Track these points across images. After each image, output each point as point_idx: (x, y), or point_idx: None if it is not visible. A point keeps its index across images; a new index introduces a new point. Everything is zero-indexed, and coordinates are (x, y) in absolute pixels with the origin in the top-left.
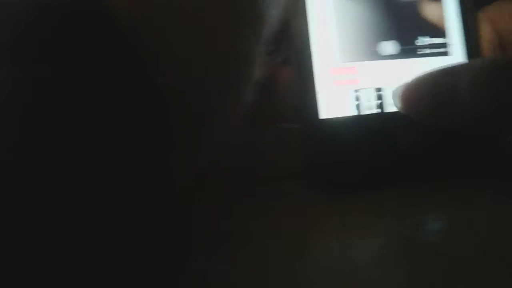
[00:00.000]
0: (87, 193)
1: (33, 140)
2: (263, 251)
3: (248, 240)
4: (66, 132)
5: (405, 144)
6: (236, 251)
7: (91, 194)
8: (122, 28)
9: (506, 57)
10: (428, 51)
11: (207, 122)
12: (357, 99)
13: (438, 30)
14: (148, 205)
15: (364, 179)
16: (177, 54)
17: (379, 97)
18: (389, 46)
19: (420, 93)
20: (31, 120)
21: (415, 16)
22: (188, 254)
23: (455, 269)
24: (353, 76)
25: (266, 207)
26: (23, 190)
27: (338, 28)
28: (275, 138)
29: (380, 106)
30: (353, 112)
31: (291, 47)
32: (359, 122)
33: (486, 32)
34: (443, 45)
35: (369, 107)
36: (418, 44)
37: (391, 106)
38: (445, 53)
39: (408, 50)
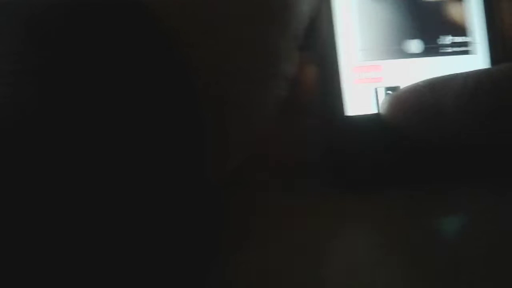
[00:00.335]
0: (117, 182)
1: (57, 134)
2: (273, 250)
3: (259, 237)
4: (94, 126)
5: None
6: (237, 249)
7: (121, 183)
8: (153, 17)
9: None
10: (451, 49)
11: (238, 116)
12: (383, 96)
13: (461, 29)
14: (179, 196)
15: (388, 177)
16: (202, 42)
17: None
18: (414, 45)
19: (406, 105)
20: (54, 116)
21: (439, 14)
22: (215, 246)
23: (462, 270)
24: (378, 74)
25: (278, 204)
26: (44, 182)
27: (363, 26)
28: (296, 133)
29: None
30: (378, 109)
31: (317, 44)
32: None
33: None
34: (466, 43)
35: None
36: (441, 42)
37: None
38: (468, 52)
39: (432, 49)
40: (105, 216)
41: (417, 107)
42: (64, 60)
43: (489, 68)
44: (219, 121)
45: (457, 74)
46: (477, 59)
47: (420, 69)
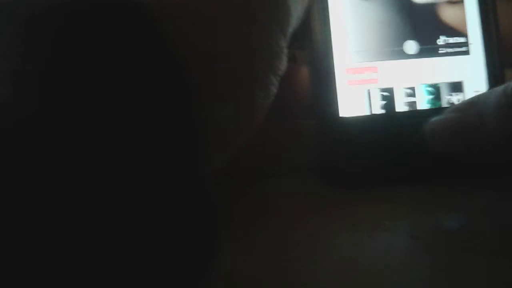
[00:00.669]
0: (116, 181)
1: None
2: (270, 248)
3: (257, 236)
4: (93, 125)
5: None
6: (239, 249)
7: (119, 182)
8: (152, 17)
9: None
10: (449, 50)
11: (229, 114)
12: (377, 98)
13: (457, 30)
14: (175, 194)
15: (382, 177)
16: (199, 42)
17: (399, 97)
18: (410, 46)
19: (449, 128)
20: (47, 117)
21: (435, 16)
22: (216, 243)
23: (463, 268)
24: (374, 75)
25: (272, 204)
26: (45, 180)
27: (359, 27)
28: (288, 134)
29: (400, 105)
30: (372, 110)
31: (311, 45)
32: (379, 121)
33: None
34: (462, 44)
35: (389, 106)
36: (437, 44)
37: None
38: (464, 53)
39: (429, 50)
40: (104, 215)
41: (460, 126)
42: (63, 60)
43: None
44: (211, 119)
45: (498, 87)
46: (472, 60)
47: (416, 70)
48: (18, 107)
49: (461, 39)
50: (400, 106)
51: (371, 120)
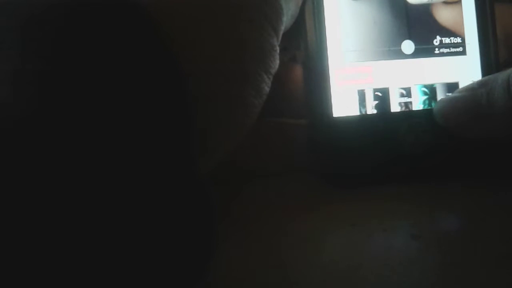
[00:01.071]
0: (109, 179)
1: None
2: (267, 249)
3: (252, 237)
4: (93, 125)
5: (416, 144)
6: (236, 249)
7: (118, 182)
8: (150, 18)
9: None
10: (442, 51)
11: (223, 112)
12: (372, 98)
13: (452, 30)
14: (171, 193)
15: (375, 177)
16: (197, 42)
17: (394, 97)
18: (406, 46)
19: (460, 106)
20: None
21: (430, 16)
22: (212, 243)
23: (463, 268)
24: (368, 75)
25: (270, 204)
26: (46, 180)
27: (353, 27)
28: (280, 134)
29: (395, 105)
30: (366, 110)
31: (306, 45)
32: (373, 121)
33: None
34: (457, 45)
35: (383, 106)
36: (432, 44)
37: (405, 106)
38: (462, 53)
39: (425, 50)
40: (100, 215)
41: (471, 104)
42: (63, 60)
43: None
44: (202, 118)
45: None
46: (469, 60)
47: (412, 71)
48: (18, 107)
49: (458, 39)
50: (395, 106)
51: (365, 120)
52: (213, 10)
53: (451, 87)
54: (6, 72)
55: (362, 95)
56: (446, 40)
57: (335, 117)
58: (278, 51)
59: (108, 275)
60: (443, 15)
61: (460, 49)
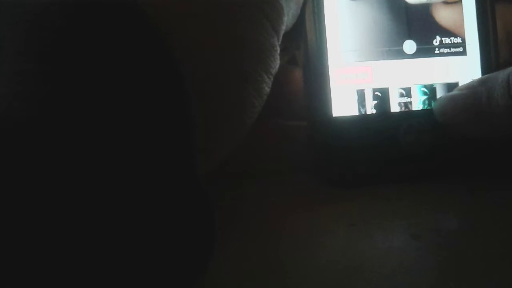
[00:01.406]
0: (109, 178)
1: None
2: (267, 249)
3: (252, 237)
4: (81, 129)
5: (416, 144)
6: (236, 249)
7: (114, 181)
8: (150, 18)
9: None
10: (442, 51)
11: (223, 112)
12: (371, 98)
13: (452, 31)
14: (171, 194)
15: (376, 176)
16: (196, 42)
17: (394, 97)
18: (406, 46)
19: (460, 103)
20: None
21: (430, 16)
22: (211, 243)
23: (464, 268)
24: (368, 75)
25: (270, 204)
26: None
27: (353, 27)
28: (280, 134)
29: (395, 105)
30: (366, 110)
31: (305, 45)
32: (372, 121)
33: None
34: (457, 45)
35: (383, 106)
36: (432, 44)
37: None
38: (462, 53)
39: (425, 50)
40: (100, 214)
41: (471, 101)
42: (62, 61)
43: None
44: (202, 118)
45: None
46: (469, 60)
47: (411, 71)
48: (18, 107)
49: (458, 40)
50: (395, 106)
51: (364, 120)
52: (213, 9)
53: (451, 87)
54: (6, 72)
55: (361, 95)
56: (446, 40)
57: (335, 117)
58: (278, 51)
59: (108, 275)
60: (443, 15)
61: (460, 49)
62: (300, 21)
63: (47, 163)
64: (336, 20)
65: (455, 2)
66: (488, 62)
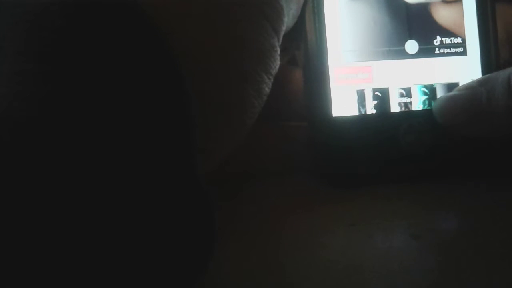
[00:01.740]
0: (109, 179)
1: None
2: (267, 249)
3: (252, 237)
4: (81, 129)
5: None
6: (236, 249)
7: (114, 181)
8: (149, 19)
9: None
10: (445, 50)
11: (223, 112)
12: (371, 98)
13: (456, 30)
14: (171, 195)
15: (375, 176)
16: (196, 42)
17: (394, 97)
18: (406, 46)
19: (460, 104)
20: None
21: (433, 16)
22: (211, 243)
23: (463, 268)
24: (368, 75)
25: (270, 204)
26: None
27: (353, 27)
28: (280, 135)
29: (395, 105)
30: (366, 110)
31: (305, 45)
32: (372, 121)
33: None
34: (458, 45)
35: (383, 106)
36: (432, 44)
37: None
38: (462, 53)
39: (425, 50)
40: (100, 214)
41: (471, 102)
42: (62, 61)
43: None
44: (202, 118)
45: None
46: (469, 60)
47: (412, 71)
48: (18, 107)
49: (458, 40)
50: (395, 106)
51: (364, 120)
52: (213, 10)
53: (451, 87)
54: (6, 72)
55: (361, 95)
56: (447, 40)
57: (335, 117)
58: (278, 51)
59: (107, 275)
60: (444, 15)
61: (461, 49)
62: (300, 21)
63: (47, 163)
64: (336, 20)
65: (455, 2)
66: (489, 62)
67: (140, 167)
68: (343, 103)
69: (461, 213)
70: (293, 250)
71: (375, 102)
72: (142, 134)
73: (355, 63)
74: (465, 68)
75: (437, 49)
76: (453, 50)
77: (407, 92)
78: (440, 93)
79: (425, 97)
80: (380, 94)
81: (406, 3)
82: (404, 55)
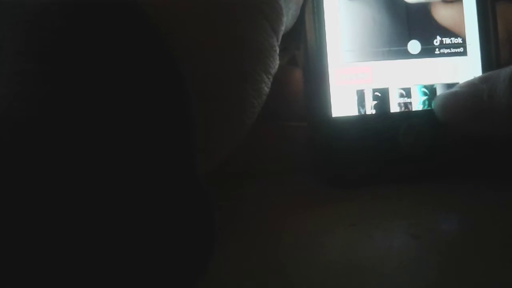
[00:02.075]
0: (109, 179)
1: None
2: (267, 249)
3: (252, 237)
4: (82, 129)
5: (416, 144)
6: (236, 249)
7: (114, 181)
8: (150, 19)
9: None
10: (445, 51)
11: (222, 112)
12: (371, 98)
13: (456, 30)
14: (171, 195)
15: (375, 176)
16: (196, 42)
17: (394, 97)
18: (410, 46)
19: (461, 101)
20: (45, 116)
21: (433, 16)
22: (211, 244)
23: (463, 268)
24: (368, 76)
25: (270, 204)
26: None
27: (353, 27)
28: (279, 135)
29: (394, 106)
30: (365, 111)
31: (305, 46)
32: (372, 121)
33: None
34: (461, 45)
35: (383, 107)
36: (435, 44)
37: (404, 106)
38: (463, 53)
39: (426, 50)
40: (100, 215)
41: (473, 99)
42: (62, 61)
43: None
44: (201, 118)
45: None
46: (469, 61)
47: (412, 71)
48: (18, 107)
49: (458, 40)
50: (395, 106)
51: (364, 120)
52: (213, 10)
53: (452, 88)
54: (6, 72)
55: (361, 95)
56: (447, 41)
57: (334, 117)
58: (278, 51)
59: (107, 275)
60: (444, 15)
61: (461, 49)
62: (299, 21)
63: (47, 163)
64: (335, 20)
65: (455, 2)
66: (489, 63)
67: (140, 167)
68: (343, 103)
69: (461, 213)
70: (293, 250)
71: (375, 102)
72: (142, 134)
73: (355, 63)
74: (465, 68)
75: (437, 49)
76: (453, 50)
77: (407, 93)
78: None
79: (425, 97)
80: (379, 95)
81: (406, 3)
82: (405, 55)
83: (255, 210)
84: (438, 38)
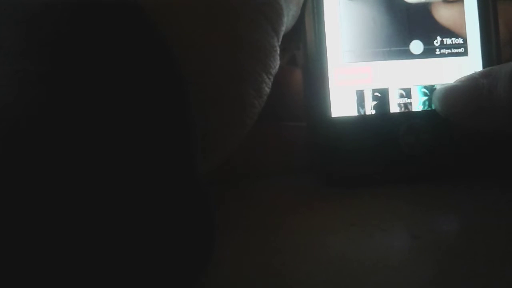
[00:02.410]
0: (109, 179)
1: (47, 134)
2: (267, 249)
3: (251, 237)
4: (82, 129)
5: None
6: (236, 249)
7: (114, 181)
8: (150, 19)
9: None
10: (446, 51)
11: (223, 112)
12: (370, 98)
13: (457, 30)
14: (171, 195)
15: (375, 176)
16: (196, 42)
17: (394, 98)
18: (412, 46)
19: (460, 95)
20: (43, 117)
21: (434, 16)
22: (211, 244)
23: (463, 268)
24: (368, 76)
25: (270, 204)
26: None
27: (353, 28)
28: (279, 135)
29: (394, 106)
30: (365, 111)
31: (305, 46)
32: (372, 122)
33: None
34: (462, 45)
35: (382, 107)
36: (436, 44)
37: (404, 106)
38: (463, 54)
39: (426, 51)
40: (100, 215)
41: (473, 93)
42: (62, 61)
43: None
44: (201, 118)
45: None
46: (470, 61)
47: (412, 71)
48: (18, 108)
49: (459, 40)
50: (395, 107)
51: (363, 121)
52: (212, 10)
53: None
54: (6, 72)
55: (361, 96)
56: (448, 41)
57: (334, 118)
58: (278, 51)
59: (107, 275)
60: (444, 15)
61: (462, 50)
62: (300, 21)
63: (47, 163)
64: (335, 20)
65: (456, 2)
66: (490, 63)
67: (140, 167)
68: (343, 104)
69: (461, 213)
70: (293, 250)
71: (375, 102)
72: (142, 134)
73: (355, 64)
74: (466, 69)
75: (438, 49)
76: (454, 50)
77: (407, 93)
78: None
79: (425, 97)
80: (379, 95)
81: (407, 3)
82: (406, 55)
83: (254, 210)
84: (439, 38)
